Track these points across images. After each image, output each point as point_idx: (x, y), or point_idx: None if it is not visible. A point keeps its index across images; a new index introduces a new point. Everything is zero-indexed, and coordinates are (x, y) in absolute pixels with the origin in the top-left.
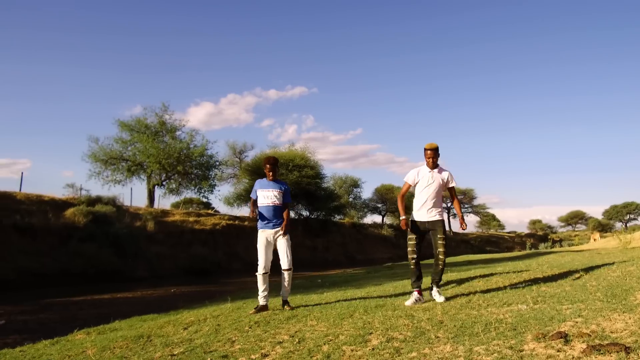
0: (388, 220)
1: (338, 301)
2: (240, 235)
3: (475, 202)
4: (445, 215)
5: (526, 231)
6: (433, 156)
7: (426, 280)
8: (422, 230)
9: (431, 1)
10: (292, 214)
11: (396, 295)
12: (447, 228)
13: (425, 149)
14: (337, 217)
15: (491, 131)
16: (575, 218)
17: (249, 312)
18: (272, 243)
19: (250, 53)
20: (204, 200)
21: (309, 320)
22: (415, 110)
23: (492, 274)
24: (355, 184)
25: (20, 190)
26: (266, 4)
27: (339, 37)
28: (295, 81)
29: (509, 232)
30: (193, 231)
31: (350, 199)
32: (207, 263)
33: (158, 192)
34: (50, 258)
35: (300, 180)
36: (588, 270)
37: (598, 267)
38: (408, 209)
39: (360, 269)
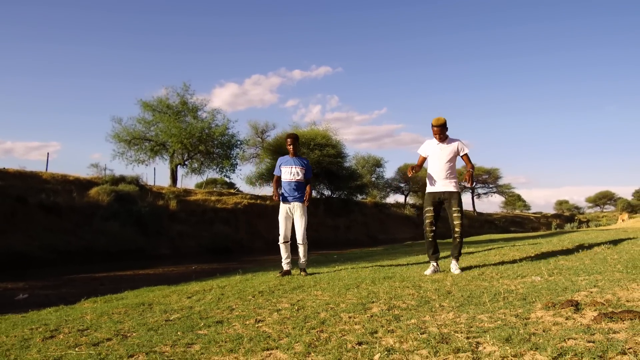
0: (411, 200)
1: (347, 273)
2: (262, 214)
3: (500, 182)
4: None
5: (552, 212)
6: (439, 132)
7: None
8: (438, 202)
9: None
10: (314, 193)
11: (407, 267)
12: (468, 208)
13: (432, 125)
14: (360, 197)
15: (521, 111)
16: (603, 199)
17: (276, 274)
18: (291, 216)
19: (275, 33)
20: (227, 180)
21: (314, 291)
22: (442, 90)
23: (509, 248)
24: (378, 164)
25: (46, 170)
26: None
27: (364, 17)
28: (320, 61)
29: (534, 213)
30: (215, 210)
31: (373, 179)
32: (229, 241)
33: (180, 171)
34: (74, 236)
35: (321, 160)
36: (611, 244)
37: (621, 241)
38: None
39: (379, 247)
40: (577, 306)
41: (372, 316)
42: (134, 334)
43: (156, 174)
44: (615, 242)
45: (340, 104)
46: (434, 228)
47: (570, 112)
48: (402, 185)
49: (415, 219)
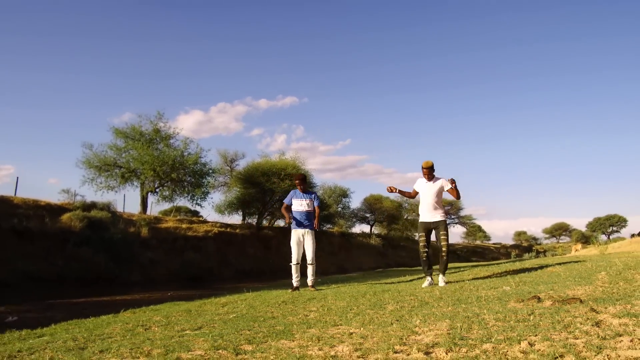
0: (376, 230)
1: (347, 289)
2: (232, 243)
3: (462, 213)
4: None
5: (511, 242)
6: (428, 173)
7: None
8: (428, 229)
9: (420, 11)
10: (283, 223)
11: (397, 284)
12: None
13: (422, 167)
14: (327, 226)
15: (481, 142)
16: (559, 230)
17: (286, 291)
18: (302, 241)
19: (242, 62)
20: (199, 207)
21: (330, 299)
22: (404, 121)
23: (479, 269)
24: (344, 194)
25: (15, 194)
26: (258, 13)
27: (330, 47)
28: (287, 91)
29: (494, 244)
30: (186, 238)
31: (339, 209)
32: (199, 269)
33: (151, 199)
34: (47, 262)
35: (292, 189)
36: (563, 265)
37: (571, 262)
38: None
39: (354, 274)
40: (539, 299)
41: (392, 310)
42: (221, 324)
43: (126, 200)
44: (566, 264)
45: (305, 134)
46: (426, 249)
47: (528, 144)
48: (368, 215)
49: (380, 249)
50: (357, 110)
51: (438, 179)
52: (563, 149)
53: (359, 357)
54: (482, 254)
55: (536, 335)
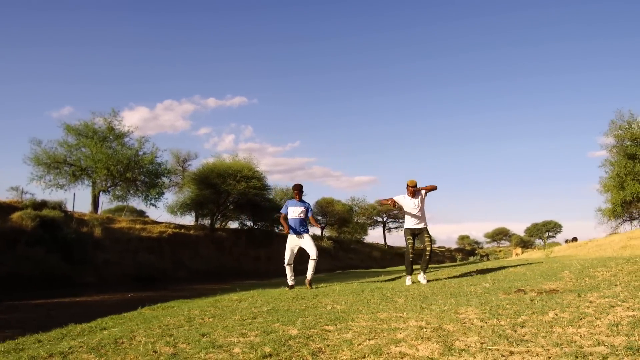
0: (328, 232)
1: (340, 287)
2: (186, 244)
3: None
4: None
5: (455, 246)
6: (413, 191)
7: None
8: (414, 234)
9: (372, 18)
10: (236, 224)
11: (382, 282)
12: (380, 242)
13: (407, 185)
14: (279, 229)
15: (425, 146)
16: (500, 234)
17: (285, 289)
18: (297, 244)
19: (191, 59)
20: (153, 207)
21: (333, 296)
22: (353, 125)
23: (449, 270)
24: None
25: None
26: (210, 13)
27: (281, 50)
28: (236, 91)
29: (439, 247)
30: (140, 238)
31: None
32: (154, 270)
33: (102, 198)
34: None
35: (247, 191)
36: (524, 266)
37: (531, 264)
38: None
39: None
40: (524, 291)
41: (404, 302)
42: (272, 314)
43: (76, 199)
44: (526, 265)
45: (254, 135)
46: (414, 252)
47: (470, 150)
48: (319, 218)
49: (332, 251)
50: (306, 112)
51: (419, 193)
52: (505, 155)
53: (435, 329)
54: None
55: (554, 310)
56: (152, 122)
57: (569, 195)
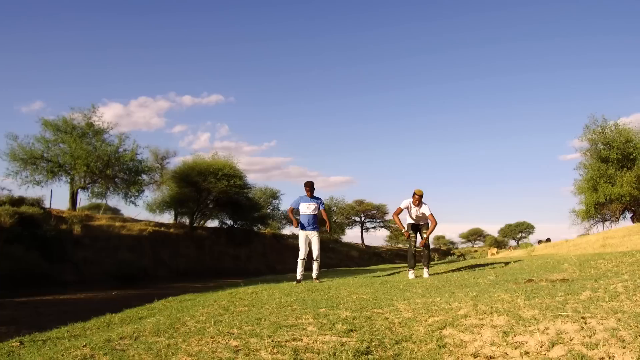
0: None
1: (345, 281)
2: (166, 243)
3: (387, 217)
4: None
5: (431, 246)
6: (419, 200)
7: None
8: (415, 228)
9: (347, 17)
10: (215, 223)
11: (383, 277)
12: (357, 242)
13: (414, 193)
14: (259, 228)
15: (402, 146)
16: (474, 235)
17: (293, 283)
18: (308, 240)
19: (167, 56)
20: (133, 205)
21: (347, 288)
22: (331, 125)
23: (445, 265)
24: (274, 196)
25: None
26: (186, 11)
27: (260, 49)
28: (212, 88)
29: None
30: (120, 236)
31: (269, 210)
32: (134, 269)
33: (80, 195)
34: None
35: (228, 190)
36: (515, 262)
37: (520, 260)
38: None
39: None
40: (533, 281)
41: (424, 291)
42: (308, 302)
43: (52, 196)
44: (517, 261)
45: (230, 134)
46: (415, 247)
47: (447, 150)
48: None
49: None
50: (283, 112)
51: (423, 204)
52: (478, 157)
53: (487, 306)
54: (405, 257)
55: (585, 292)
56: (126, 119)
57: (541, 197)
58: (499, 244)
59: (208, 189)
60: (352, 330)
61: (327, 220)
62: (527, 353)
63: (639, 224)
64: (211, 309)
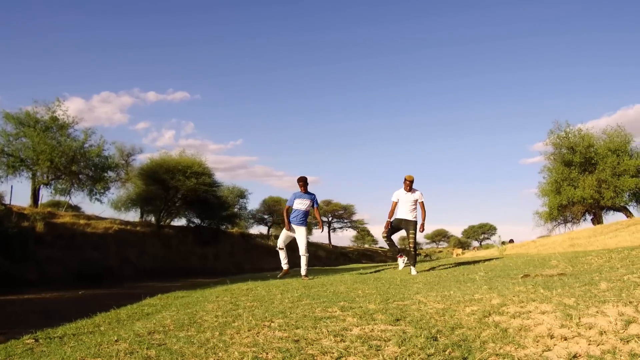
0: (274, 231)
1: (340, 277)
2: (132, 241)
3: (355, 218)
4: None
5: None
6: (410, 185)
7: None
8: (399, 222)
9: (314, 16)
10: (183, 221)
11: (374, 273)
12: (324, 242)
13: (405, 179)
14: (226, 227)
15: (363, 148)
16: (439, 236)
17: (277, 275)
18: (292, 235)
19: (132, 50)
20: (98, 202)
21: (341, 285)
22: (297, 125)
23: (429, 263)
24: (241, 195)
25: None
26: (152, 7)
27: (228, 47)
28: (178, 85)
29: (381, 247)
30: (84, 234)
31: (236, 209)
32: (99, 268)
33: (42, 191)
34: None
35: (197, 188)
36: (494, 260)
37: (499, 259)
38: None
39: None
40: (529, 276)
41: (419, 287)
42: (324, 298)
43: (12, 192)
44: (496, 259)
45: (195, 131)
46: (388, 234)
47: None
48: (266, 217)
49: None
50: (250, 111)
51: (415, 190)
52: (442, 159)
53: (516, 296)
54: (372, 257)
55: (601, 284)
56: (88, 114)
57: (502, 200)
58: (463, 245)
59: (176, 187)
60: (398, 319)
61: (320, 220)
62: (604, 332)
63: (601, 225)
64: (219, 304)
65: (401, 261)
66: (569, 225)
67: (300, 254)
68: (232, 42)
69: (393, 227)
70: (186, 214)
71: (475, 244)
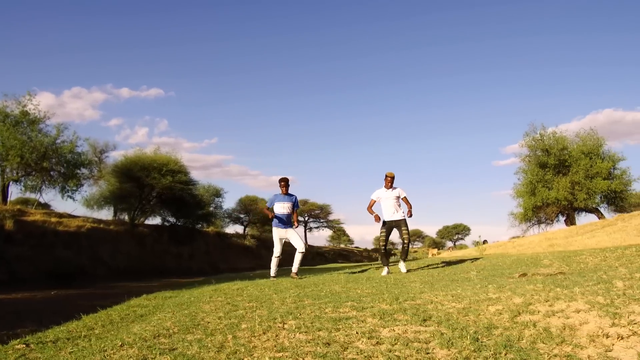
0: (250, 230)
1: (331, 277)
2: (105, 240)
3: (331, 217)
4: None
5: (371, 246)
6: (390, 182)
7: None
8: (390, 227)
9: (289, 16)
10: (156, 220)
11: (362, 272)
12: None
13: (386, 175)
14: (201, 225)
15: (339, 147)
16: (414, 236)
17: (268, 280)
18: (283, 238)
19: (105, 46)
20: (71, 200)
21: (335, 284)
22: (272, 125)
23: (416, 262)
24: (217, 194)
25: None
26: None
27: (203, 46)
28: (152, 82)
29: (356, 247)
30: (56, 233)
31: (211, 208)
32: (71, 267)
33: (11, 188)
34: None
35: (173, 186)
36: (484, 259)
37: (482, 258)
38: None
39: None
40: (526, 275)
41: (421, 286)
42: (329, 297)
43: None
44: (482, 259)
45: (169, 129)
46: (385, 244)
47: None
48: (242, 216)
49: (254, 250)
50: (226, 109)
51: (395, 188)
52: (419, 158)
53: (546, 300)
54: (347, 257)
55: (607, 282)
56: (58, 109)
57: (475, 201)
58: (438, 245)
59: (151, 185)
60: (425, 320)
61: (297, 221)
62: None
63: (577, 226)
64: (216, 305)
65: (385, 270)
66: (542, 226)
67: (299, 251)
68: (207, 40)
69: (387, 233)
70: (161, 213)
71: (450, 244)
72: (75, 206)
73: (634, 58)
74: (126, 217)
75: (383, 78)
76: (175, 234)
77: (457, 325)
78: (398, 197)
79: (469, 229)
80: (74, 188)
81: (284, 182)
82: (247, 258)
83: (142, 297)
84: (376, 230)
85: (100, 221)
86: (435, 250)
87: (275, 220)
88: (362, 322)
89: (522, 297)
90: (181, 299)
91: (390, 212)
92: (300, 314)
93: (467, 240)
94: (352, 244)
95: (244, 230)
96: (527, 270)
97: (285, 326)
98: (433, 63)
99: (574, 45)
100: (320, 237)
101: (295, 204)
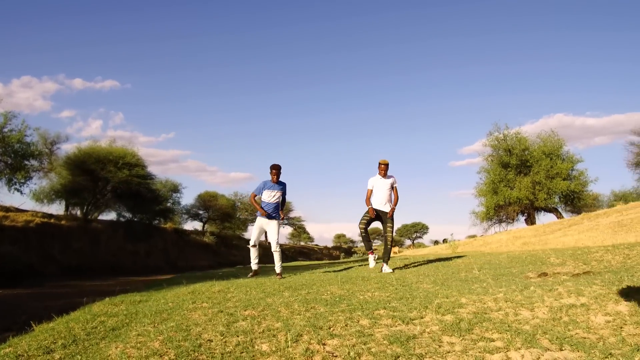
0: (210, 227)
1: (318, 276)
2: (56, 236)
3: (292, 215)
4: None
5: (331, 244)
6: (385, 169)
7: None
8: (376, 215)
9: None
10: (111, 215)
11: (346, 269)
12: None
13: (380, 163)
14: (158, 222)
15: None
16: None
17: (247, 275)
18: (264, 228)
19: (58, 33)
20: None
21: (328, 286)
22: (228, 121)
23: (400, 260)
24: (175, 189)
25: None
26: None
27: (159, 37)
28: (107, 73)
29: (316, 245)
30: (2, 228)
31: (169, 204)
32: (18, 264)
33: None
34: None
35: (130, 180)
36: (468, 257)
37: (466, 256)
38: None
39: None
40: (547, 274)
41: (432, 286)
42: (302, 302)
43: None
44: (464, 257)
45: (125, 122)
46: (365, 228)
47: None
48: (201, 212)
49: (214, 247)
50: (184, 104)
51: (390, 176)
52: (374, 155)
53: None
54: (308, 255)
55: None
56: (6, 99)
57: (433, 200)
58: (397, 243)
59: (106, 179)
60: (561, 343)
61: (282, 211)
62: None
63: (543, 224)
64: (205, 313)
65: (372, 258)
66: (503, 225)
67: (272, 250)
68: (167, 33)
69: (370, 220)
70: (117, 208)
71: (409, 242)
72: (23, 200)
73: (584, 66)
74: (79, 212)
75: (337, 76)
76: (131, 230)
77: (595, 346)
78: (392, 185)
79: (427, 228)
80: (22, 180)
81: (276, 170)
82: (206, 255)
83: (106, 301)
84: (336, 229)
85: (50, 216)
86: (396, 249)
87: (258, 212)
88: (437, 342)
89: (613, 302)
90: (156, 304)
91: (382, 201)
92: (332, 329)
93: (425, 239)
94: (312, 241)
95: (203, 227)
96: (541, 269)
97: (326, 347)
98: (384, 63)
99: (530, 48)
100: (281, 234)
101: (284, 194)
